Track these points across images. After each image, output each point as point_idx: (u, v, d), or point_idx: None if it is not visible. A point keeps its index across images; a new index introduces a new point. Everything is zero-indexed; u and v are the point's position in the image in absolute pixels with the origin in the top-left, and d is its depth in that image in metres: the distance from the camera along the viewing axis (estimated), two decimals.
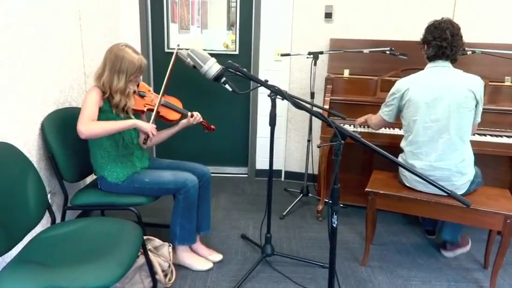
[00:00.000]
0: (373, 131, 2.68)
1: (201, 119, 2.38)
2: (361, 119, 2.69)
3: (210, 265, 2.32)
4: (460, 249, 2.52)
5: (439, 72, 2.16)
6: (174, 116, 2.36)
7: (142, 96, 2.26)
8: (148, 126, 2.11)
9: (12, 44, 1.87)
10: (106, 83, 2.05)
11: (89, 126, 1.95)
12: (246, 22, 3.50)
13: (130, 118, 2.16)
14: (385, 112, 2.36)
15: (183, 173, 2.23)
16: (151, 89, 2.37)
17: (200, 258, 2.34)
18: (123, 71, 2.04)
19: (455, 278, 2.31)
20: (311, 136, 3.25)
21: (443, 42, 2.09)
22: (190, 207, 2.21)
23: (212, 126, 2.47)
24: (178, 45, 2.36)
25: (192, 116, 2.34)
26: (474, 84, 2.10)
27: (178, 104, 2.40)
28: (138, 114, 2.28)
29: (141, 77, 2.20)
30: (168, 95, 2.37)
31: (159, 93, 2.29)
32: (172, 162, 2.43)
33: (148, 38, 3.53)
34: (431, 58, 2.18)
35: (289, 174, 3.81)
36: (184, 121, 2.36)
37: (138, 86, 2.24)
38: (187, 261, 2.30)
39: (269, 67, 3.54)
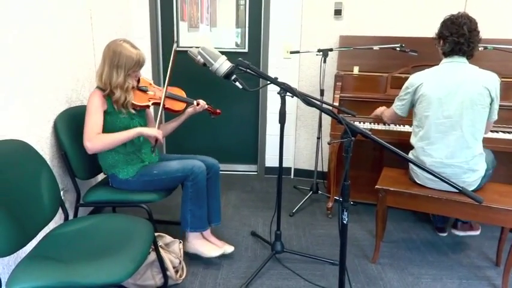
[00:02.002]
0: (383, 128, 2.67)
1: (206, 106, 2.39)
2: (377, 111, 2.67)
3: (220, 251, 2.31)
4: (470, 231, 2.52)
5: (455, 68, 2.14)
6: (180, 106, 2.36)
7: (145, 91, 2.25)
8: (154, 132, 2.11)
9: (25, 43, 1.90)
10: (106, 79, 2.06)
11: (95, 142, 2.00)
12: (255, 19, 3.51)
13: (131, 114, 2.17)
14: (398, 106, 2.35)
15: (190, 160, 2.24)
16: (152, 82, 2.36)
17: (211, 245, 2.33)
18: (121, 66, 2.05)
19: (466, 276, 2.30)
20: (320, 133, 3.24)
21: (460, 38, 2.07)
22: (199, 193, 2.22)
23: (218, 111, 2.48)
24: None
25: (197, 104, 2.35)
26: (490, 81, 2.07)
27: (181, 93, 2.40)
28: (143, 109, 2.28)
29: (141, 72, 2.20)
30: (171, 86, 2.36)
31: (161, 86, 2.29)
32: (181, 156, 2.45)
33: (158, 36, 3.55)
34: (448, 54, 2.15)
35: (299, 172, 3.81)
36: (190, 109, 2.37)
37: (138, 81, 2.22)
38: (199, 249, 2.30)
39: (278, 64, 3.54)
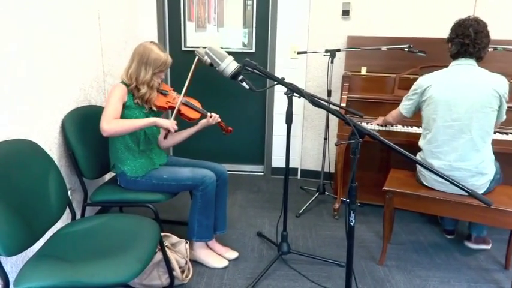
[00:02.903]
0: (390, 129, 2.65)
1: (219, 120, 2.41)
2: (379, 121, 2.67)
3: (225, 263, 2.33)
4: (483, 244, 2.53)
5: (463, 70, 2.12)
6: (194, 114, 2.40)
7: (164, 95, 2.32)
8: (169, 123, 2.17)
9: (32, 42, 1.91)
10: (133, 74, 2.14)
11: (112, 124, 2.02)
12: (263, 20, 3.50)
13: (153, 111, 2.24)
14: (404, 106, 2.34)
15: (201, 169, 2.26)
16: (172, 89, 2.43)
17: (216, 256, 2.36)
18: (150, 63, 2.14)
19: (474, 279, 2.27)
20: (327, 134, 3.23)
21: (465, 39, 2.05)
22: (208, 203, 2.24)
23: (229, 128, 2.49)
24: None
25: (211, 116, 2.38)
26: (499, 85, 2.05)
27: (198, 104, 2.45)
28: (160, 112, 2.33)
29: (163, 77, 2.28)
30: (188, 96, 2.42)
31: (179, 93, 2.34)
32: (190, 161, 2.46)
33: (166, 37, 3.56)
34: (455, 56, 2.14)
35: (305, 173, 3.80)
36: (203, 121, 2.41)
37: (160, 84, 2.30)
38: (204, 258, 2.32)
39: (285, 65, 3.53)
